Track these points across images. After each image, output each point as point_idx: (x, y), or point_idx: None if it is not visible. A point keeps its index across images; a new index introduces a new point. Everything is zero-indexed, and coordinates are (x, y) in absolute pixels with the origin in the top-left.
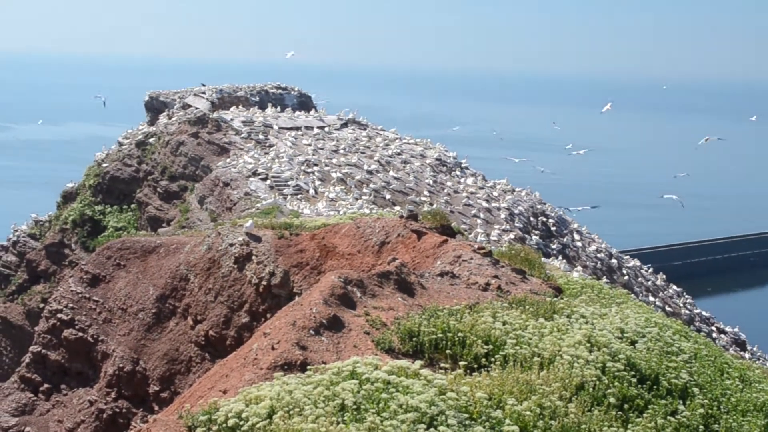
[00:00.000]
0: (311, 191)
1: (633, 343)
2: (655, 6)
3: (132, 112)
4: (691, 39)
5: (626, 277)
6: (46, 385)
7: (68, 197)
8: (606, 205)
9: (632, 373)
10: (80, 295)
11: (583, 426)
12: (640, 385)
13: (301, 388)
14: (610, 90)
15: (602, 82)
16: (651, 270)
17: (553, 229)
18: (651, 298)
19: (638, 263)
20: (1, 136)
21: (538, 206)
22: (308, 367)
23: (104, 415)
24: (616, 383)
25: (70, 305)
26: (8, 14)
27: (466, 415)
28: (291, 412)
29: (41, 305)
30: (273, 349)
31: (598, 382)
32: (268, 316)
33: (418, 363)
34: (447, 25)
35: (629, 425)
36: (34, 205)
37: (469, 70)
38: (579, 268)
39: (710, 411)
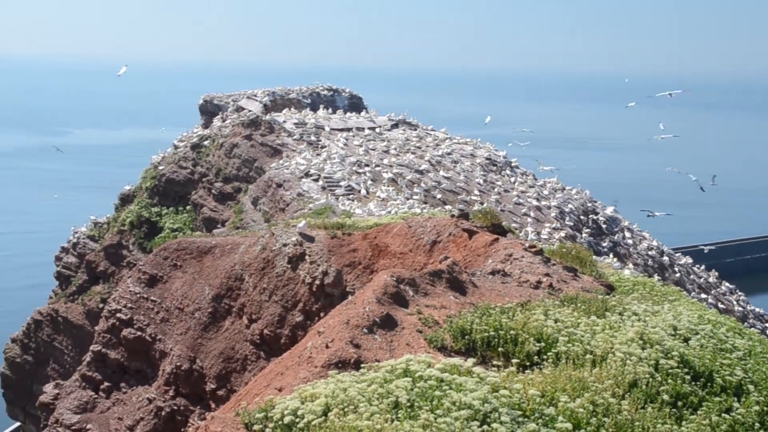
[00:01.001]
0: (363, 191)
1: (686, 340)
2: (682, 5)
3: (186, 115)
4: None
5: (678, 275)
6: (106, 384)
7: (126, 200)
8: (656, 202)
9: (685, 370)
10: (138, 295)
11: (637, 423)
12: (693, 383)
13: (355, 385)
14: (646, 87)
15: (638, 78)
16: (703, 267)
17: (603, 227)
18: (703, 296)
19: (690, 260)
20: (61, 140)
21: (589, 204)
22: (362, 365)
23: (163, 413)
24: (669, 380)
25: (129, 305)
26: (66, 23)
27: (519, 413)
28: (346, 409)
29: (101, 305)
30: (327, 347)
31: (651, 380)
32: (322, 314)
33: (471, 361)
34: (496, 25)
35: (683, 422)
36: (94, 208)
37: (516, 70)
38: (630, 265)
39: (766, 408)
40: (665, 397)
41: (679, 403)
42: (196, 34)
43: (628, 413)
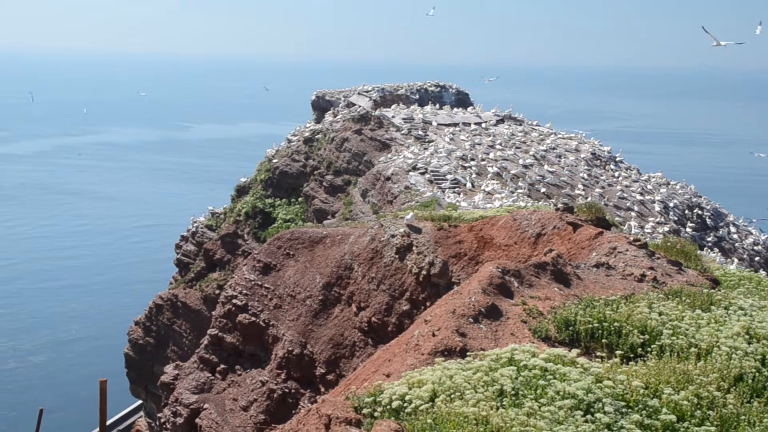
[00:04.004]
0: (468, 185)
1: None
2: None
3: (299, 110)
4: None
5: None
6: (222, 366)
7: (241, 191)
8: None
9: None
10: (253, 283)
11: (742, 417)
12: None
13: (461, 373)
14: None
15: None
16: None
17: (708, 221)
18: None
19: None
20: (181, 135)
21: (694, 199)
22: (468, 354)
23: (275, 395)
24: None
25: (244, 292)
26: (187, 25)
27: (623, 403)
28: (452, 395)
29: (217, 291)
30: (434, 335)
31: (757, 374)
32: (428, 304)
33: (575, 351)
34: (602, 23)
35: None
36: (212, 199)
37: (620, 67)
38: (735, 260)
39: None
40: None
41: None
42: (311, 32)
43: (734, 407)
